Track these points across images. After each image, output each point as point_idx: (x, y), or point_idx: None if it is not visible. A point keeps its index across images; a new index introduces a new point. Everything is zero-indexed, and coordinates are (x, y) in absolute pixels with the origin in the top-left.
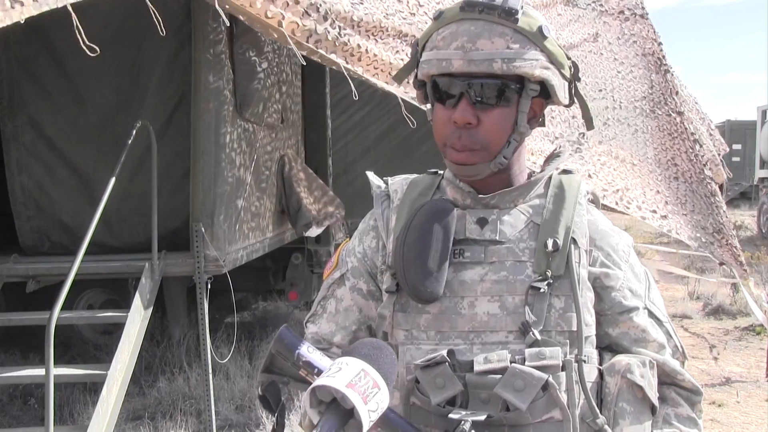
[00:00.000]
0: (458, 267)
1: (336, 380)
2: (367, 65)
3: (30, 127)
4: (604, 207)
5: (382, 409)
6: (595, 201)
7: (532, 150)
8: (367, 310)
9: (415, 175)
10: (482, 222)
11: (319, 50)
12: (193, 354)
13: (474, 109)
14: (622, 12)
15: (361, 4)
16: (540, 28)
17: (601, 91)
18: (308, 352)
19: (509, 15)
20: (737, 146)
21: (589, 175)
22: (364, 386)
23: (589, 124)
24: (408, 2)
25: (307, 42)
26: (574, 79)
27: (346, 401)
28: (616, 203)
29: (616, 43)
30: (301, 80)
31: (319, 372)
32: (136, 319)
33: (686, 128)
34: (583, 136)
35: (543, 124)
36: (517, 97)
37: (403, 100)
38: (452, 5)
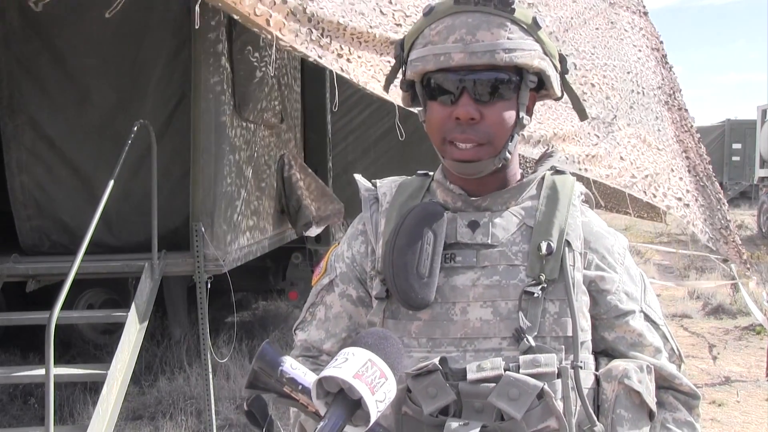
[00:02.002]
0: (449, 272)
1: (343, 371)
2: (359, 67)
3: (30, 126)
4: (631, 198)
5: (389, 399)
6: (588, 201)
7: (566, 135)
8: (357, 317)
9: (404, 177)
10: (474, 225)
11: (311, 53)
12: (193, 354)
13: (476, 104)
14: (629, 7)
15: (344, 17)
16: (534, 19)
17: (629, 73)
18: (291, 368)
19: (506, 5)
20: (737, 146)
21: (621, 158)
22: (371, 376)
23: (581, 115)
24: (393, 15)
25: (295, 42)
26: (563, 72)
27: (353, 392)
28: (644, 192)
29: (630, 32)
30: (301, 80)
31: (303, 389)
32: (136, 318)
33: (692, 125)
34: (615, 118)
35: (530, 121)
36: (517, 89)
37: (399, 108)
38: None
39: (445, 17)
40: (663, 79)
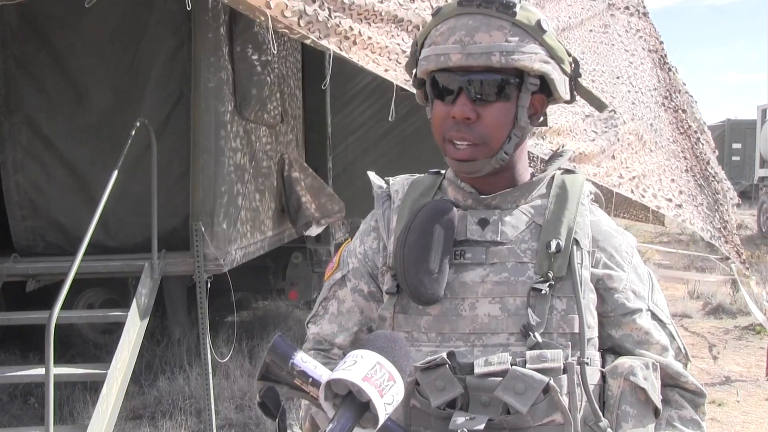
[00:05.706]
0: (459, 268)
1: (352, 373)
2: (363, 49)
3: (27, 125)
4: (629, 202)
5: (398, 402)
6: (598, 201)
7: (561, 129)
8: (368, 311)
9: (416, 175)
10: (483, 223)
11: (311, 35)
12: (193, 353)
13: (473, 105)
14: (627, 8)
15: None
16: (538, 22)
17: (618, 78)
18: (302, 361)
19: (507, 8)
20: (737, 146)
21: (613, 156)
22: (379, 379)
23: (599, 108)
24: None
25: (299, 25)
26: (575, 75)
27: (362, 394)
28: (632, 191)
29: (625, 36)
30: (302, 79)
31: (314, 381)
32: (136, 318)
33: (690, 125)
34: (615, 112)
35: (545, 124)
36: (517, 91)
37: (399, 88)
38: (450, 1)
39: (449, 18)
40: (659, 81)
